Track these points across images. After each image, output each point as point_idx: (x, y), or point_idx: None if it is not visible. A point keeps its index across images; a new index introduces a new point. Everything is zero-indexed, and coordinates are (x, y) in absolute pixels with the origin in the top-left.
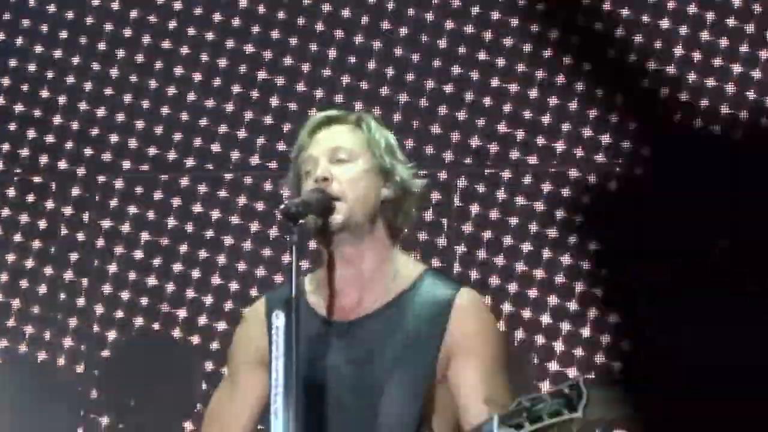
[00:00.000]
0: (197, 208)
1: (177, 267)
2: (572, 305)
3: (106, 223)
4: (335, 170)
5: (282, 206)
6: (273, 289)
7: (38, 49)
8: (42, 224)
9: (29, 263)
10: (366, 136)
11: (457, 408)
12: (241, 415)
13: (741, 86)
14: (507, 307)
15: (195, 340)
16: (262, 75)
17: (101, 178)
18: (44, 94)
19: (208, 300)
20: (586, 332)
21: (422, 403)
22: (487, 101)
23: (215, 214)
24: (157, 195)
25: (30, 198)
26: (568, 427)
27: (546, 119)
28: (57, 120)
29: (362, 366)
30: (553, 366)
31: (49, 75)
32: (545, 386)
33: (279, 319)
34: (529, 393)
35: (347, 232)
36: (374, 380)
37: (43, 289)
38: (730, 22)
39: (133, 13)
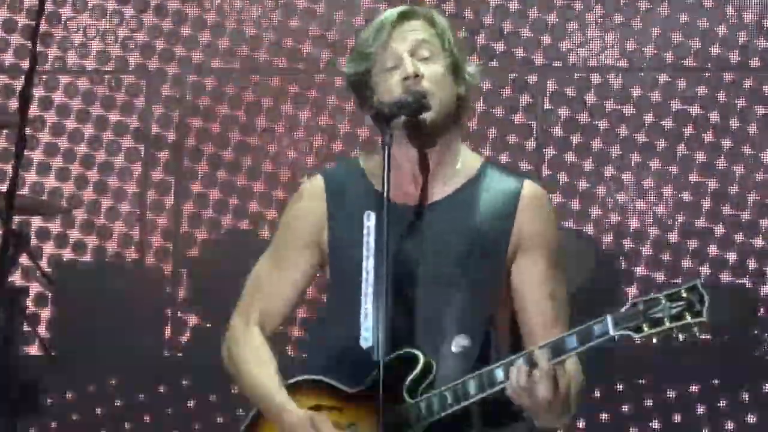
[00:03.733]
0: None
1: (267, 167)
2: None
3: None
4: (422, 68)
5: (375, 107)
6: (329, 167)
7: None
8: (133, 123)
9: (119, 161)
10: (441, 33)
11: (519, 299)
12: (289, 289)
13: None
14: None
15: None
16: None
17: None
18: None
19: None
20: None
21: (497, 293)
22: None
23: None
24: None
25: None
26: (689, 331)
27: None
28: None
29: (435, 253)
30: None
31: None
32: (632, 291)
33: (370, 219)
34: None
35: (435, 129)
36: (447, 270)
37: (132, 187)
38: None
39: None
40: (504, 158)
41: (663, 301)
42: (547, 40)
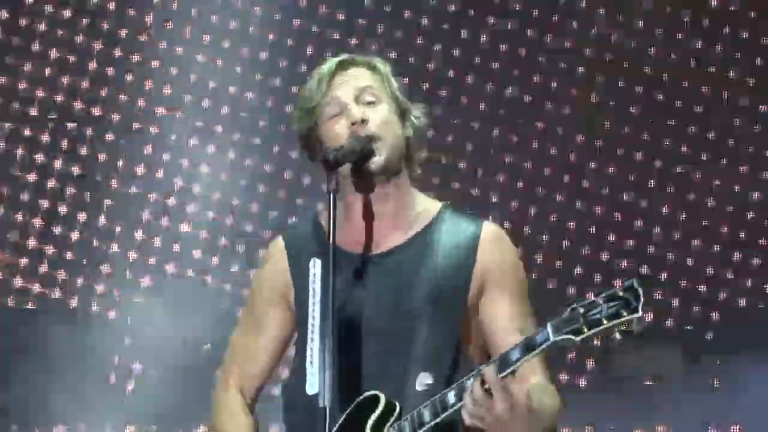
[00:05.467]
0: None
1: (210, 215)
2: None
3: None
4: (368, 112)
5: (322, 154)
6: (287, 228)
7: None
8: (76, 170)
9: (63, 209)
10: (383, 79)
11: (490, 335)
12: (264, 349)
13: None
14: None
15: (227, 287)
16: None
17: (136, 125)
18: (79, 40)
19: (241, 247)
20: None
21: (459, 331)
22: None
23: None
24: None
25: (64, 144)
26: (628, 328)
27: None
28: (93, 66)
29: (398, 293)
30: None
31: (86, 21)
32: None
33: (316, 266)
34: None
35: (384, 173)
36: (411, 307)
37: (76, 235)
38: None
39: None
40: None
41: (601, 303)
42: (491, 86)
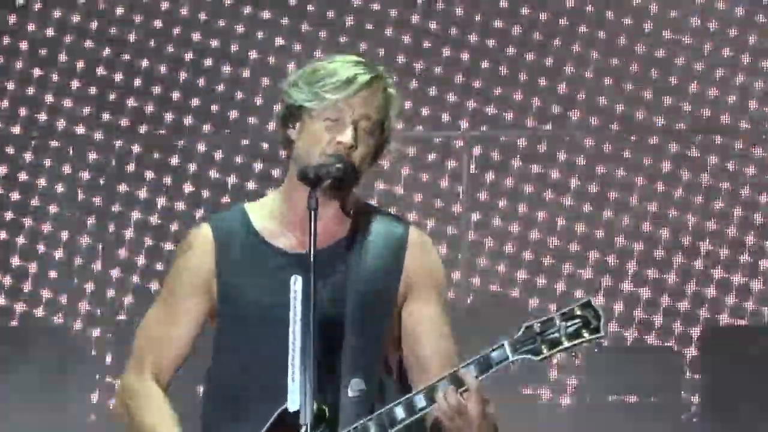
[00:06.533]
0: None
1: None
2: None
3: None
4: (359, 139)
5: (301, 169)
6: (214, 215)
7: (56, 13)
8: (60, 188)
9: (46, 227)
10: (387, 115)
11: (412, 339)
12: (180, 338)
13: None
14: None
15: None
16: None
17: (118, 143)
18: (62, 58)
19: None
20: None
21: (385, 340)
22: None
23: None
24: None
25: (48, 162)
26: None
27: None
28: (75, 85)
29: (328, 299)
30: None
31: (68, 40)
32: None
33: (297, 284)
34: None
35: (347, 191)
36: (341, 315)
37: (59, 253)
38: None
39: None
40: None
41: (558, 321)
42: (472, 104)
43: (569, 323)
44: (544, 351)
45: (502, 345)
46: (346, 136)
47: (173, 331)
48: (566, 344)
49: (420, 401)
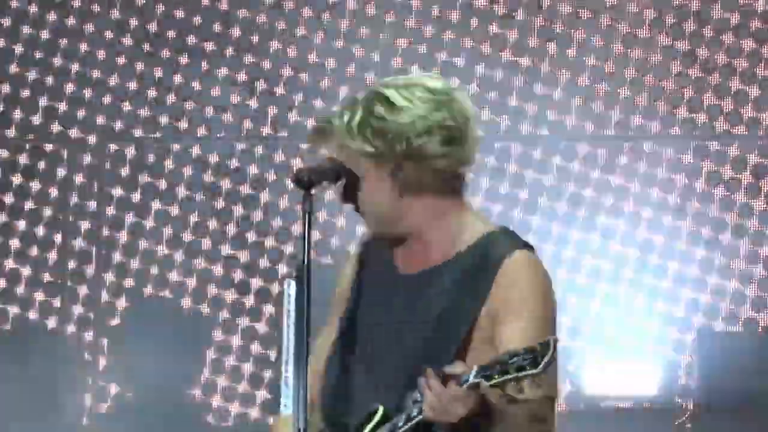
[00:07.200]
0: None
1: (186, 236)
2: None
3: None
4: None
5: (295, 174)
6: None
7: (52, 17)
8: (53, 192)
9: (40, 231)
10: (352, 143)
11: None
12: (327, 350)
13: None
14: None
15: (204, 309)
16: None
17: (113, 146)
18: (57, 62)
19: (217, 270)
20: None
21: (453, 355)
22: None
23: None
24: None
25: (42, 165)
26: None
27: None
28: (69, 88)
29: (413, 313)
30: None
31: (63, 43)
32: None
33: (291, 287)
34: None
35: (385, 233)
36: (418, 327)
37: (53, 256)
38: None
39: None
40: None
41: (521, 354)
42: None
43: (526, 356)
44: (495, 378)
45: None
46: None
47: (325, 343)
48: (509, 375)
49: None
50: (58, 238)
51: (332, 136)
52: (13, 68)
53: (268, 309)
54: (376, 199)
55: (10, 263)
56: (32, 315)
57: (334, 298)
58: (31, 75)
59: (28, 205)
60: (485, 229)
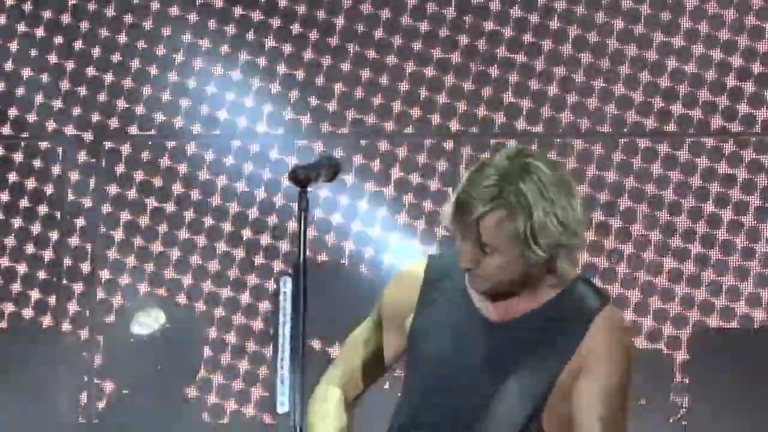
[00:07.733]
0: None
1: (182, 234)
2: None
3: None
4: (481, 258)
5: (291, 171)
6: (437, 252)
7: (47, 15)
8: (48, 189)
9: (35, 228)
10: (511, 228)
11: (572, 420)
12: (370, 364)
13: None
14: None
15: (199, 306)
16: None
17: (108, 144)
18: (52, 59)
19: (213, 266)
20: None
21: (532, 409)
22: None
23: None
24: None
25: (37, 163)
26: None
27: None
28: (66, 86)
29: (496, 362)
30: None
31: (59, 41)
32: None
33: (286, 285)
34: None
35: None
36: (500, 378)
37: (49, 254)
38: None
39: None
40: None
41: None
42: (462, 106)
43: None
44: None
45: None
46: (463, 261)
47: (368, 356)
48: None
49: None
50: (54, 235)
51: (476, 217)
52: (9, 66)
53: (264, 306)
54: (508, 270)
55: (5, 261)
56: (27, 313)
57: (383, 314)
58: (26, 73)
59: (23, 203)
60: (571, 274)
